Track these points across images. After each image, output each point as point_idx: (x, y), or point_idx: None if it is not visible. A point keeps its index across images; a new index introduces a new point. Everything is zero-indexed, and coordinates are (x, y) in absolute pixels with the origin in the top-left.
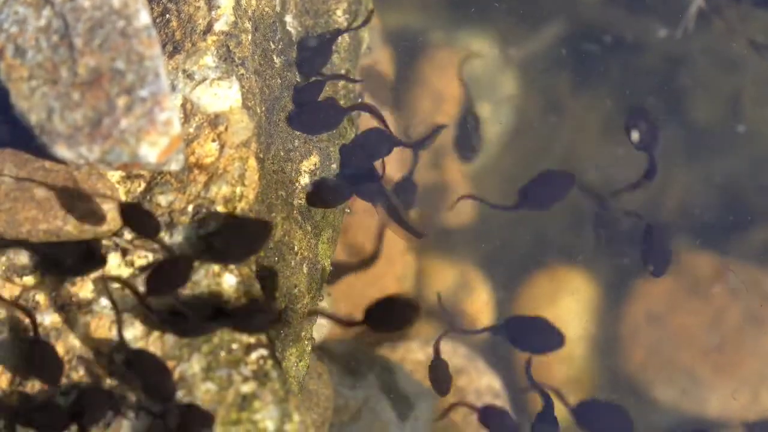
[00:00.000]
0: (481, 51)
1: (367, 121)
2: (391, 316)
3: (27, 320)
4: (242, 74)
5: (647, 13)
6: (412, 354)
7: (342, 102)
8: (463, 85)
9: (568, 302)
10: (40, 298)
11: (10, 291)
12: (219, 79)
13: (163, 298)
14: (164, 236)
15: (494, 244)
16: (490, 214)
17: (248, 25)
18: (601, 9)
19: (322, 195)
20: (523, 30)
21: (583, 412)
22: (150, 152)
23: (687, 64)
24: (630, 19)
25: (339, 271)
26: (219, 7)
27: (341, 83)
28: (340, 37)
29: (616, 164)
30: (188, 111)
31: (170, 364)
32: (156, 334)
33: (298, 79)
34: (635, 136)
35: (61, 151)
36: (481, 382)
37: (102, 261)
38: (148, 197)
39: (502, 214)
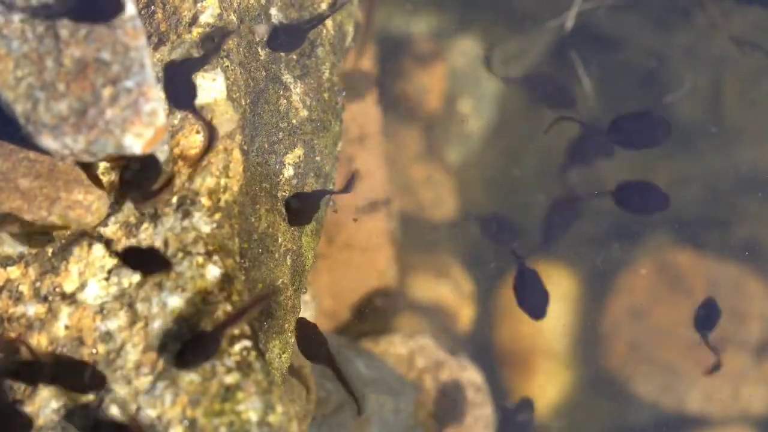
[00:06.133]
0: (464, 47)
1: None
2: None
3: None
4: (227, 66)
5: (628, 10)
6: (394, 347)
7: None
8: None
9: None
10: (24, 288)
11: None
12: (204, 70)
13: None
14: (148, 227)
15: (476, 238)
16: (472, 208)
17: (233, 17)
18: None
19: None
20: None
21: None
22: (135, 143)
23: (669, 60)
24: (612, 16)
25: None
26: None
27: (325, 78)
28: (324, 30)
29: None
30: None
31: (154, 355)
32: (139, 324)
33: (282, 72)
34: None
35: (46, 141)
36: (463, 376)
37: None
38: None
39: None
